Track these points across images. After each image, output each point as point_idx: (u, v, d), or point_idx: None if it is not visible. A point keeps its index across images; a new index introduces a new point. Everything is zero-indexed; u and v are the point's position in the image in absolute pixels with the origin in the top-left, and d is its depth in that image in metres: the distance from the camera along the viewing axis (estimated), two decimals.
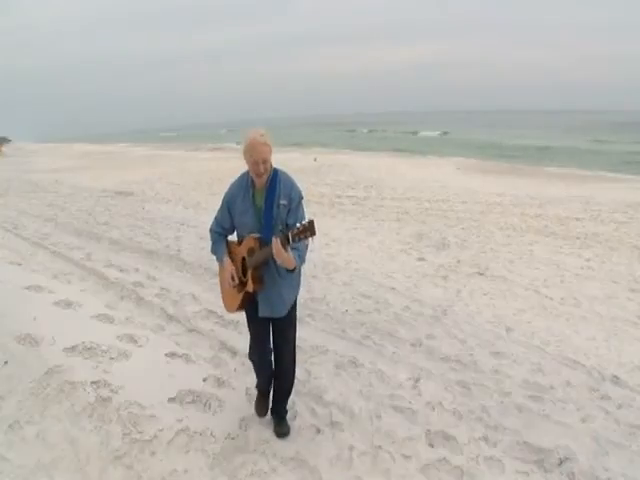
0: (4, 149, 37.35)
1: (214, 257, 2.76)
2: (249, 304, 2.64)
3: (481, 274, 5.86)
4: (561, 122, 71.41)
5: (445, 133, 50.33)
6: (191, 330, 4.22)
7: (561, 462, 2.64)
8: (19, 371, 3.24)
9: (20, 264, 6.01)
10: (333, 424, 2.94)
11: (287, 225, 2.42)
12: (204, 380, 3.36)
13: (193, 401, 3.10)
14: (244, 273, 2.60)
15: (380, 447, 2.74)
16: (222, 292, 2.84)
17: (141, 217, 9.43)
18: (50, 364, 3.30)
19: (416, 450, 2.73)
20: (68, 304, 4.46)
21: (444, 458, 2.67)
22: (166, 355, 3.67)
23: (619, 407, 3.16)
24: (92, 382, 3.15)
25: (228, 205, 2.63)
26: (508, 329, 4.32)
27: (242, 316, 2.80)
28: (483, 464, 2.64)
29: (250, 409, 3.00)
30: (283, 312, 2.62)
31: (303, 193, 2.60)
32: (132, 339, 3.86)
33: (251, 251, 2.51)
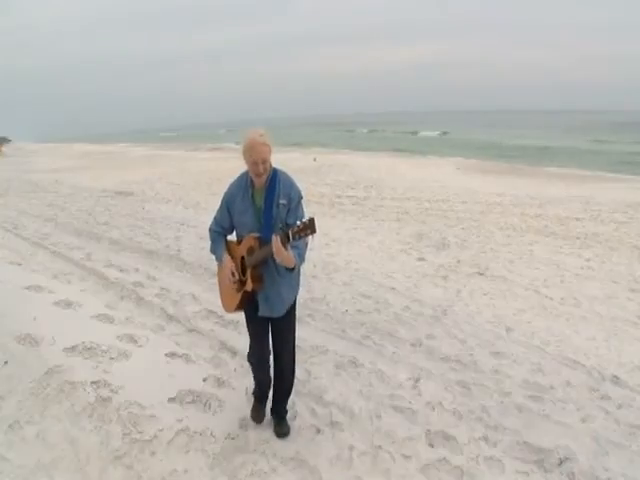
0: (4, 149, 37.35)
1: (213, 257, 2.77)
2: (248, 304, 2.64)
3: (481, 274, 5.86)
4: (561, 122, 71.42)
5: (445, 133, 50.35)
6: (191, 330, 4.22)
7: (561, 462, 2.64)
8: (19, 371, 3.24)
9: (20, 264, 6.01)
10: (333, 424, 2.94)
11: (287, 224, 2.42)
12: (204, 380, 3.36)
13: (193, 401, 3.11)
14: (243, 272, 2.59)
15: (380, 447, 2.74)
16: (220, 292, 2.84)
17: (141, 217, 9.44)
18: (50, 364, 3.30)
19: (416, 450, 2.73)
20: (68, 304, 4.46)
21: (444, 458, 2.67)
22: (166, 355, 3.67)
23: (619, 407, 3.16)
24: (92, 382, 3.15)
25: (227, 205, 2.63)
26: (508, 329, 4.32)
27: (242, 316, 2.80)
28: (483, 464, 2.64)
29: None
30: (282, 311, 2.62)
31: (303, 193, 2.60)
32: (132, 339, 3.86)
33: (250, 250, 2.51)
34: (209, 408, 3.06)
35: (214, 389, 3.26)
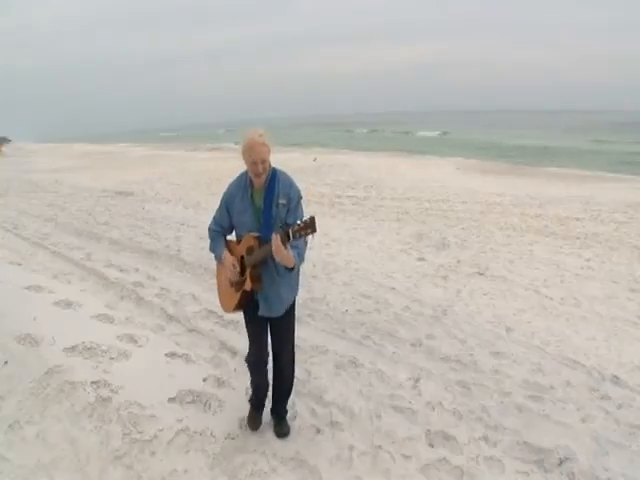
0: (4, 149, 37.35)
1: (213, 256, 2.76)
2: (247, 304, 2.64)
3: (481, 274, 5.86)
4: (561, 122, 71.43)
5: (445, 133, 50.34)
6: (191, 330, 4.22)
7: (561, 462, 2.64)
8: (19, 371, 3.24)
9: (20, 264, 6.02)
10: (333, 424, 2.94)
11: (287, 224, 2.41)
12: (204, 380, 3.36)
13: (193, 401, 3.11)
14: (242, 272, 2.59)
15: (380, 447, 2.74)
16: (219, 292, 2.82)
17: (141, 217, 9.44)
18: (50, 364, 3.30)
19: (416, 450, 2.73)
20: (68, 304, 4.46)
21: (444, 458, 2.67)
22: (166, 355, 3.67)
23: (619, 407, 3.16)
24: (92, 382, 3.15)
25: (226, 204, 2.63)
26: (508, 329, 4.32)
27: (242, 316, 2.79)
28: (483, 464, 2.64)
29: None
30: (281, 311, 2.62)
31: (302, 193, 2.60)
32: (132, 339, 3.86)
33: (250, 249, 2.51)
34: (209, 408, 3.06)
35: (214, 389, 3.26)
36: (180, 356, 3.69)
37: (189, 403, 3.08)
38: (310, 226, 2.18)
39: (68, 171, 19.84)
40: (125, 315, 4.41)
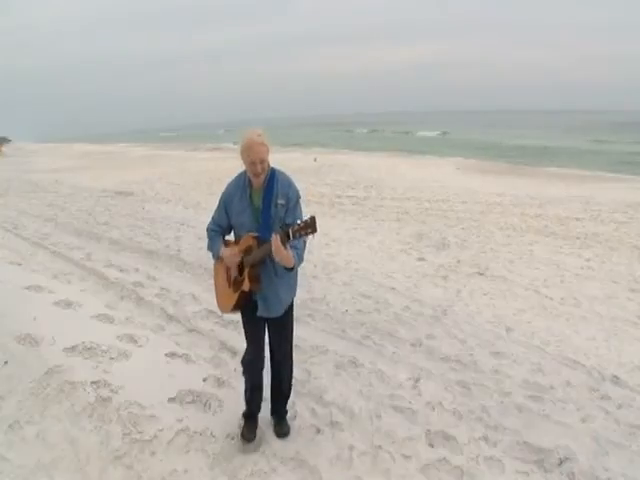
0: (4, 149, 37.36)
1: (211, 254, 2.76)
2: (245, 304, 2.63)
3: (481, 274, 5.86)
4: (561, 122, 71.43)
5: (445, 133, 50.35)
6: (191, 330, 4.22)
7: (561, 462, 2.64)
8: (19, 371, 3.24)
9: (20, 264, 6.02)
10: (333, 424, 2.94)
11: (286, 224, 2.41)
12: (204, 380, 3.36)
13: (193, 401, 3.10)
14: (241, 272, 2.58)
15: (380, 447, 2.74)
16: (217, 292, 2.80)
17: (141, 217, 9.44)
18: (50, 364, 3.30)
19: (416, 450, 2.73)
20: (68, 304, 4.46)
21: (444, 458, 2.67)
22: (166, 355, 3.67)
23: (619, 407, 3.16)
24: (92, 382, 3.15)
25: (225, 204, 2.63)
26: (508, 329, 4.32)
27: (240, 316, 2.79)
28: (483, 464, 2.64)
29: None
30: (280, 312, 2.62)
31: (302, 193, 2.60)
32: (132, 339, 3.86)
33: (249, 249, 2.50)
34: (209, 408, 3.06)
35: (214, 389, 3.26)
36: (180, 356, 3.69)
37: (189, 403, 3.08)
38: (310, 226, 2.18)
39: (68, 171, 19.84)
40: (125, 315, 4.41)
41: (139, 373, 3.35)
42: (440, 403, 3.17)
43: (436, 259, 6.52)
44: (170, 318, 4.47)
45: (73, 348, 3.55)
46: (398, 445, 2.76)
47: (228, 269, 2.65)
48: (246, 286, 2.51)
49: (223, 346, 3.90)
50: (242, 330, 2.74)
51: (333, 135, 54.40)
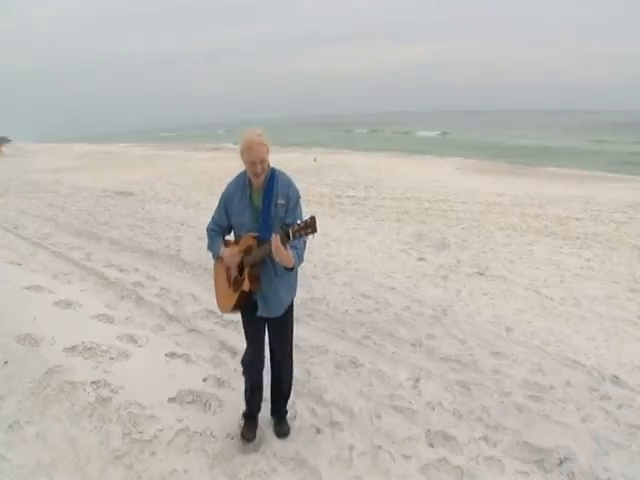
0: (4, 149, 37.36)
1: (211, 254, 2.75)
2: (245, 304, 2.62)
3: (481, 274, 5.86)
4: (561, 122, 71.44)
5: (445, 133, 50.35)
6: (191, 330, 4.22)
7: (561, 462, 2.64)
8: (19, 371, 3.24)
9: (20, 264, 6.02)
10: (333, 424, 2.94)
11: (286, 224, 2.41)
12: (204, 380, 3.36)
13: (193, 401, 3.10)
14: (240, 272, 2.58)
15: (380, 447, 2.74)
16: (217, 292, 2.79)
17: (141, 217, 9.44)
18: (50, 364, 3.30)
19: (416, 450, 2.73)
20: (68, 304, 4.46)
21: (444, 458, 2.67)
22: (166, 355, 3.67)
23: (619, 407, 3.16)
24: (92, 382, 3.15)
25: (225, 204, 2.63)
26: (508, 329, 4.32)
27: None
28: (483, 464, 2.64)
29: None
30: (279, 312, 2.62)
31: (301, 193, 2.60)
32: (132, 339, 3.86)
33: (249, 249, 2.50)
34: (209, 408, 3.06)
35: (214, 389, 3.26)
36: (180, 356, 3.69)
37: (189, 403, 3.08)
38: (310, 226, 2.18)
39: (68, 171, 19.84)
40: (125, 315, 4.41)
41: (139, 373, 3.36)
42: (440, 403, 3.17)
43: (436, 259, 6.52)
44: (170, 318, 4.47)
45: (73, 348, 3.55)
46: (398, 445, 2.76)
47: (228, 269, 2.65)
48: (246, 286, 2.51)
49: (223, 346, 3.90)
50: (242, 330, 2.74)
51: (333, 135, 54.41)
